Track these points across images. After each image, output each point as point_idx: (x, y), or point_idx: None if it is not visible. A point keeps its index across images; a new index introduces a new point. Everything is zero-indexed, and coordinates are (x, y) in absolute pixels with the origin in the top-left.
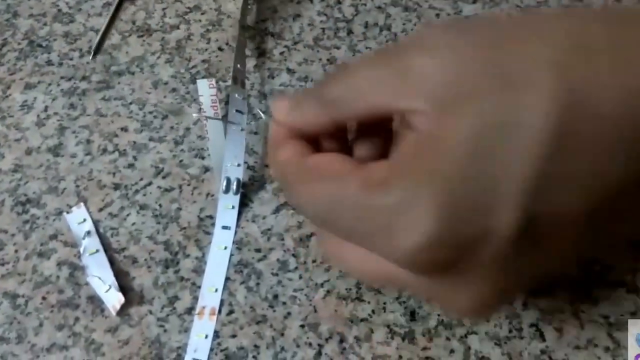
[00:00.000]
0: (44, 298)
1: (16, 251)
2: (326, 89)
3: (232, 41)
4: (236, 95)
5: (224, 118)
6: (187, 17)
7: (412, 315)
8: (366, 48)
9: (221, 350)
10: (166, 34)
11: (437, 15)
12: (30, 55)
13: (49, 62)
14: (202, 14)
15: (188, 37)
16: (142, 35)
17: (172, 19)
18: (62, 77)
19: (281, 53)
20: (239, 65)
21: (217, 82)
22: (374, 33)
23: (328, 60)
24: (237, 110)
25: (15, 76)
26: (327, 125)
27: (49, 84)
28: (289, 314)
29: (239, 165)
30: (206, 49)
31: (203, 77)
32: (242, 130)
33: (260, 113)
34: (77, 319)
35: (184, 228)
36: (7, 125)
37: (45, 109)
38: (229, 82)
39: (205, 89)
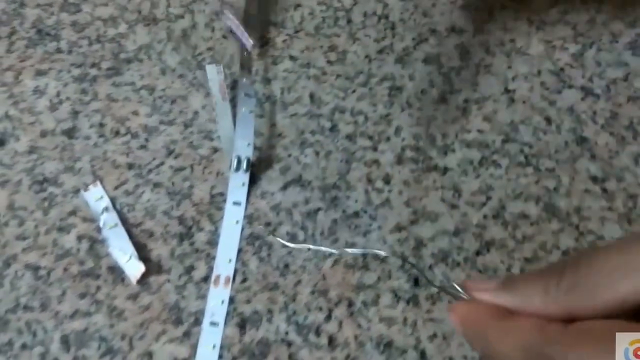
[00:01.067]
0: (65, 269)
1: (36, 226)
2: (560, 276)
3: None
4: (244, 80)
5: (232, 101)
6: (191, 7)
7: (416, 282)
8: (365, 36)
9: (237, 315)
10: (171, 23)
11: (434, 5)
12: (39, 44)
13: (59, 50)
14: (206, 4)
15: (193, 26)
16: (148, 24)
17: (176, 9)
18: (72, 64)
19: (283, 41)
20: (245, 53)
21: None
22: (372, 22)
23: (329, 47)
24: (245, 94)
25: (26, 63)
26: (556, 313)
27: (60, 71)
28: (299, 281)
29: (248, 145)
30: (211, 37)
31: (209, 64)
32: (250, 112)
33: (457, 287)
34: (98, 288)
35: (197, 204)
36: (20, 109)
37: (58, 94)
38: (234, 69)
39: (214, 74)
